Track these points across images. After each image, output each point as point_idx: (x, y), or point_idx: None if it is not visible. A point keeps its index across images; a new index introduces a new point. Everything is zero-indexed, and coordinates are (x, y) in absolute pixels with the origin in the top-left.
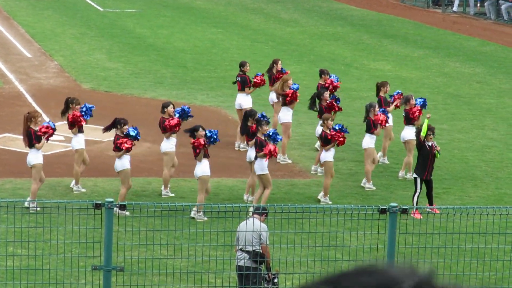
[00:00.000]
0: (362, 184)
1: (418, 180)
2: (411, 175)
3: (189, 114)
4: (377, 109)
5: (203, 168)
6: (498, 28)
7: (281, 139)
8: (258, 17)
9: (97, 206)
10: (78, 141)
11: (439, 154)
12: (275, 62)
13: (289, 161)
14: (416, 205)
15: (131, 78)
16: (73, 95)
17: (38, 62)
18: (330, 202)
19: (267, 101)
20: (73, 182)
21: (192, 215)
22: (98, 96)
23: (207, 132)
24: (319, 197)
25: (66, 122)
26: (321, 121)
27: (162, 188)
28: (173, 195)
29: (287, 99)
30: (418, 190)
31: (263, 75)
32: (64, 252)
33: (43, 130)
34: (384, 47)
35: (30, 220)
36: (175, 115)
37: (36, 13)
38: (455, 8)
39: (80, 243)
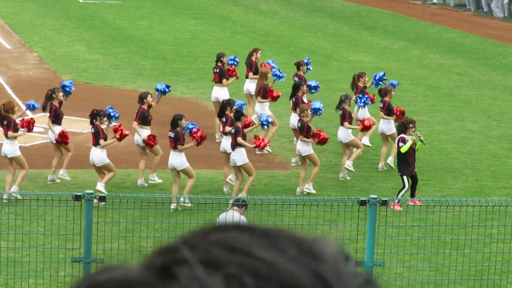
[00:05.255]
0: (347, 165)
1: (405, 177)
2: (382, 165)
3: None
4: (352, 101)
5: (182, 160)
6: (478, 19)
7: (269, 123)
8: (237, 9)
9: (77, 198)
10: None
11: (423, 144)
12: (255, 50)
13: (266, 151)
14: (399, 198)
15: (111, 70)
16: (53, 86)
17: (17, 54)
18: (314, 191)
19: (243, 93)
20: (62, 169)
21: (172, 207)
22: (78, 87)
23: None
24: (299, 190)
25: (47, 114)
26: (293, 112)
27: (150, 174)
28: (160, 181)
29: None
30: (406, 186)
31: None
32: (44, 244)
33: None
34: (363, 38)
35: (9, 212)
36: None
37: (15, 5)
38: (434, 0)
39: (60, 235)
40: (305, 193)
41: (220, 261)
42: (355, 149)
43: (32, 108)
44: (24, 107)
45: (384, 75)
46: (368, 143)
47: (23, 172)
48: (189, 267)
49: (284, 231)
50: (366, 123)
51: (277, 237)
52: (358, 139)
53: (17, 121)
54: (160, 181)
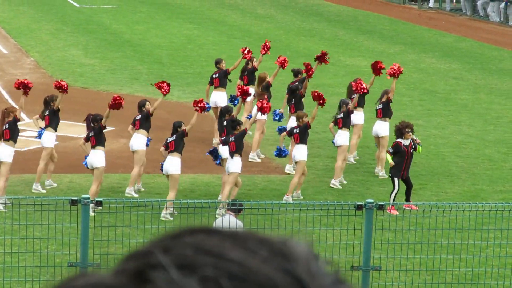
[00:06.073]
0: (333, 184)
1: (396, 179)
2: (381, 172)
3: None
4: (350, 106)
5: (176, 165)
6: (474, 24)
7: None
8: (234, 13)
9: (73, 202)
10: (49, 139)
11: (421, 147)
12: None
13: (258, 159)
14: (393, 201)
15: (107, 74)
16: (49, 91)
17: (14, 58)
18: (291, 201)
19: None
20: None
21: (162, 216)
22: (74, 92)
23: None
24: (296, 195)
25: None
26: (292, 117)
27: (128, 187)
28: (137, 196)
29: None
30: (397, 188)
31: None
32: (40, 249)
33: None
34: (360, 43)
35: (6, 216)
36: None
37: (11, 9)
38: (431, 4)
39: (56, 240)
40: (301, 197)
41: (194, 264)
42: (350, 155)
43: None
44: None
45: None
46: (352, 160)
47: (1, 182)
48: (164, 270)
49: (252, 233)
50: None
51: (246, 239)
52: (354, 144)
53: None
54: (137, 196)
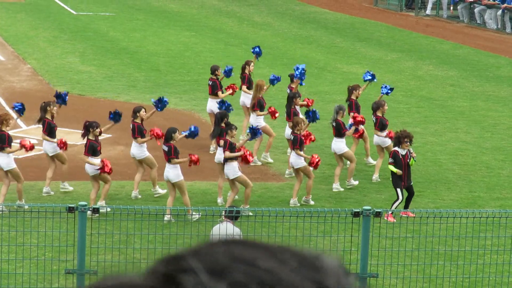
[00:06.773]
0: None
1: (398, 190)
2: (376, 177)
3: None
4: (345, 113)
5: (176, 173)
6: (471, 31)
7: (260, 133)
8: (231, 20)
9: (70, 209)
10: (54, 147)
11: (414, 161)
12: (247, 63)
13: (259, 163)
14: (392, 209)
15: (104, 82)
16: (46, 98)
17: (11, 66)
18: (312, 203)
19: (238, 105)
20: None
21: (166, 219)
22: (71, 99)
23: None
24: (293, 202)
25: (40, 125)
26: (289, 122)
27: (152, 189)
28: (164, 192)
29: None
30: (400, 198)
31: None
32: (37, 256)
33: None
34: (357, 50)
35: (3, 223)
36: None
37: (9, 16)
38: (428, 11)
39: (54, 247)
40: (298, 204)
41: (225, 270)
42: (348, 162)
43: (19, 110)
44: (15, 116)
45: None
46: (372, 161)
47: (18, 186)
48: (194, 274)
49: (285, 246)
50: (358, 119)
51: (279, 250)
52: (352, 151)
53: (8, 130)
54: (165, 191)
